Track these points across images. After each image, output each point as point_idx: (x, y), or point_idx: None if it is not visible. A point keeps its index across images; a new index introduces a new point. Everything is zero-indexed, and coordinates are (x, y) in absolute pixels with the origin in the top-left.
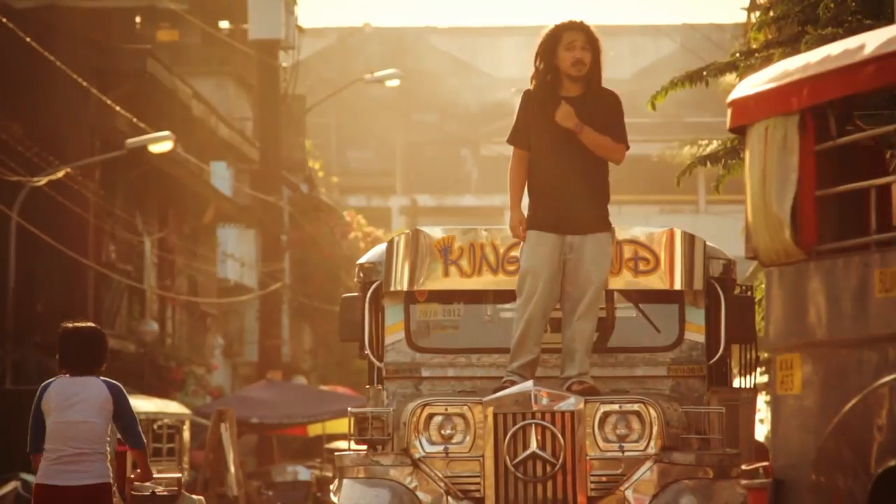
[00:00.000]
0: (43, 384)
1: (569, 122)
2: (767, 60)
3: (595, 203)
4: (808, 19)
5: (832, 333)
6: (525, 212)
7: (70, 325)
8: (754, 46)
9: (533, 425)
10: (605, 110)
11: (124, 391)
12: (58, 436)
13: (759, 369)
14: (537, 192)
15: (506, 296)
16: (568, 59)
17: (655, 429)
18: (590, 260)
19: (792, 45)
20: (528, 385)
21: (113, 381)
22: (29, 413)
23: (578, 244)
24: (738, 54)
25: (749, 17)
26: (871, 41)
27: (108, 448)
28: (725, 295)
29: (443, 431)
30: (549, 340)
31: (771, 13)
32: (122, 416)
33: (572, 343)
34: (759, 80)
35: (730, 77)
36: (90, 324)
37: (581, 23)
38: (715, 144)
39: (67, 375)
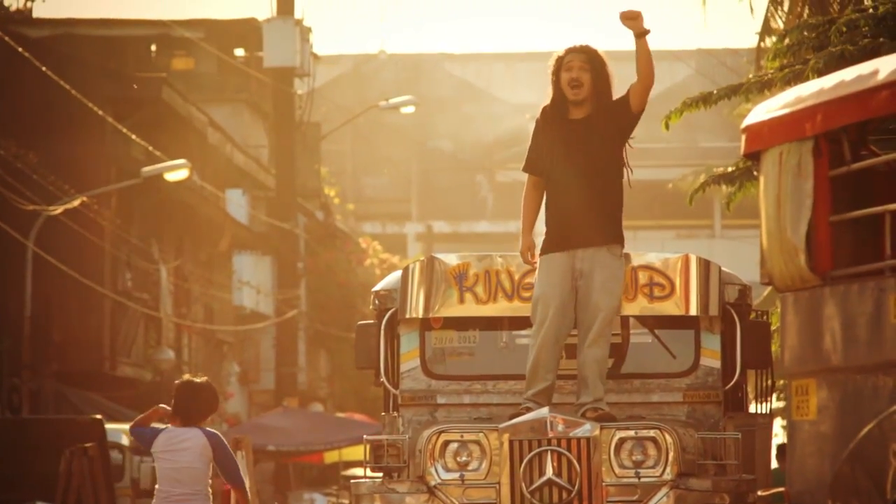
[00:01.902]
0: (158, 429)
1: (634, 22)
2: (780, 82)
3: (606, 216)
4: (823, 45)
5: (847, 359)
6: (539, 240)
7: (185, 379)
8: (770, 75)
9: (549, 452)
10: (614, 125)
11: (222, 439)
12: (166, 479)
13: (774, 395)
14: (552, 217)
15: (521, 322)
16: (566, 79)
17: (671, 455)
18: (599, 286)
19: (802, 67)
20: (543, 412)
21: (212, 431)
22: (45, 441)
23: (589, 268)
24: (750, 76)
25: (760, 41)
26: (884, 66)
27: (209, 489)
28: (741, 320)
29: (459, 458)
30: (564, 367)
31: (786, 40)
32: (222, 460)
33: (586, 369)
34: (773, 105)
35: (745, 104)
36: (202, 379)
37: (583, 45)
38: (731, 169)
39: (178, 423)
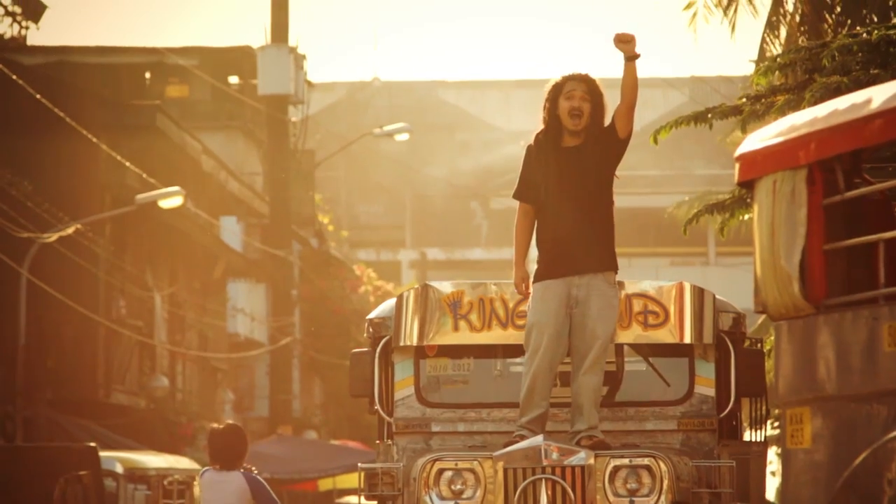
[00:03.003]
0: (201, 471)
1: (627, 45)
2: (772, 106)
3: (600, 243)
4: (815, 67)
5: (841, 387)
6: (533, 267)
7: (216, 426)
8: (759, 91)
9: (543, 480)
10: (606, 145)
11: (261, 480)
12: None
13: (769, 423)
14: (544, 244)
15: (515, 350)
16: (566, 108)
17: (666, 483)
18: (596, 314)
19: (797, 92)
20: (538, 440)
21: (251, 474)
22: (39, 469)
23: (584, 296)
24: (744, 99)
25: (757, 68)
26: (878, 95)
27: None
28: (735, 348)
29: (453, 487)
30: (558, 394)
31: (778, 60)
32: (262, 500)
33: (580, 397)
34: (767, 134)
35: (738, 132)
36: (233, 424)
37: (584, 74)
38: (725, 196)
39: (217, 468)
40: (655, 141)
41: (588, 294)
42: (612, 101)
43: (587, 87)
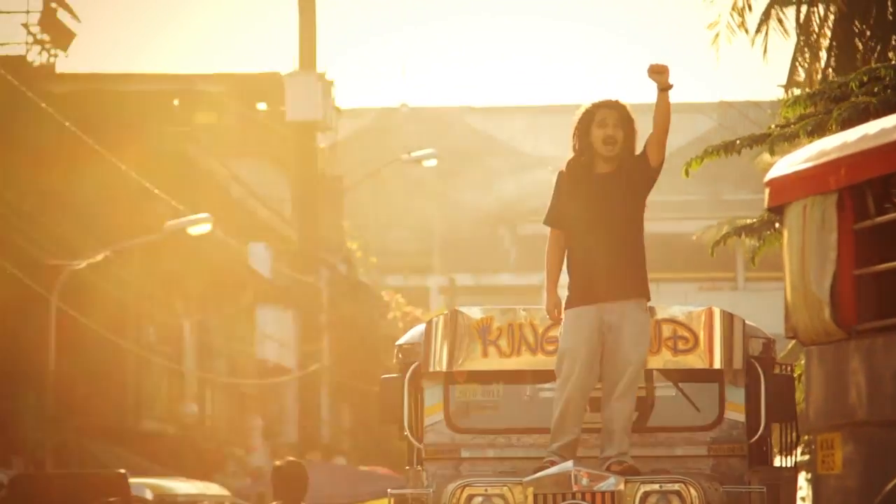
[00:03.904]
0: None
1: (661, 76)
2: (801, 128)
3: (633, 270)
4: (844, 95)
5: (873, 413)
6: (564, 292)
7: (278, 463)
8: (792, 125)
9: None
10: (638, 173)
11: None
12: None
13: (799, 448)
14: (575, 271)
15: (545, 376)
16: (600, 136)
17: None
18: (628, 340)
19: (825, 115)
20: (568, 465)
21: None
22: (69, 496)
23: (616, 322)
24: (773, 126)
25: (787, 93)
26: None
27: None
28: (765, 374)
29: None
30: (589, 420)
31: (807, 90)
32: None
33: (611, 423)
34: (797, 159)
35: (766, 156)
36: (294, 460)
37: (615, 101)
38: (754, 221)
39: (279, 503)
40: (687, 174)
41: (620, 320)
42: (641, 127)
43: (619, 114)
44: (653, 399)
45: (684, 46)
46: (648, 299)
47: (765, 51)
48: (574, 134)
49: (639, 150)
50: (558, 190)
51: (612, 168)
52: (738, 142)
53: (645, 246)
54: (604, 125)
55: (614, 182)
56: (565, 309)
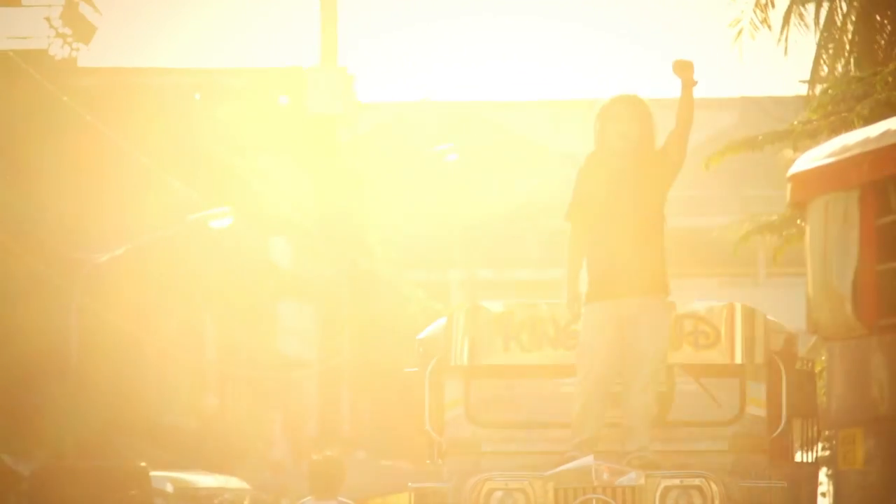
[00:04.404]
0: (301, 501)
1: (685, 72)
2: (824, 129)
3: (652, 265)
4: (867, 94)
5: (895, 408)
6: (583, 287)
7: (316, 457)
8: (815, 122)
9: (594, 500)
10: (656, 175)
11: None
12: None
13: (820, 444)
14: (595, 266)
15: (566, 370)
16: (617, 131)
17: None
18: (647, 335)
19: (848, 114)
20: (588, 460)
21: (347, 502)
22: (91, 488)
23: (635, 317)
24: (795, 123)
25: (810, 89)
26: None
27: None
28: (787, 369)
29: None
30: (609, 415)
31: (829, 91)
32: None
33: (632, 418)
34: (819, 154)
35: (789, 151)
36: (331, 455)
37: (633, 96)
38: (775, 217)
39: (316, 496)
40: (708, 168)
41: (640, 315)
42: (662, 122)
43: (637, 108)
44: (674, 394)
45: (706, 41)
46: (668, 294)
47: (786, 48)
48: (594, 128)
49: (659, 144)
50: (578, 185)
51: (630, 163)
52: (760, 138)
53: (665, 240)
54: (620, 120)
55: (633, 177)
56: (585, 304)
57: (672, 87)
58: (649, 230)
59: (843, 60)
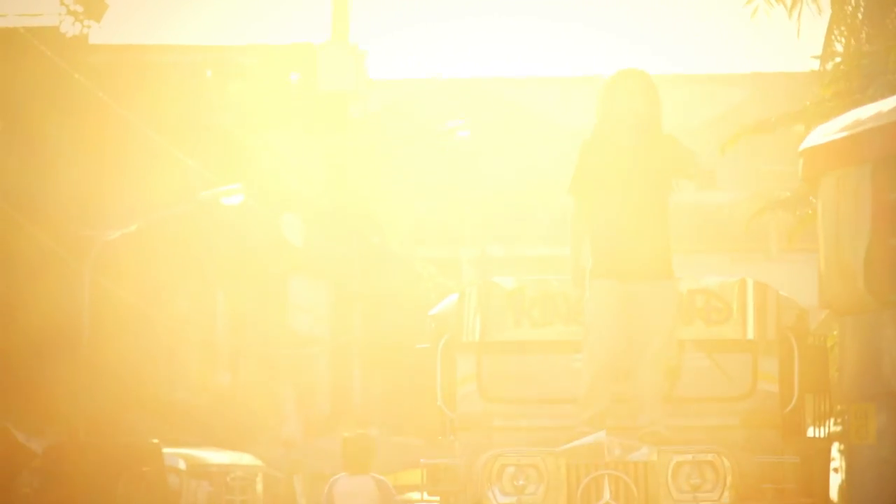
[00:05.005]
0: (331, 479)
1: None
2: (837, 109)
3: (657, 249)
4: (877, 70)
5: None
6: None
7: (348, 435)
8: (828, 101)
9: (606, 476)
10: (662, 155)
11: (388, 483)
12: None
13: (832, 419)
14: (599, 241)
15: (577, 346)
16: (623, 106)
17: (729, 479)
18: (655, 311)
19: (861, 94)
20: (601, 435)
21: (380, 477)
22: (102, 465)
23: (643, 295)
24: (808, 103)
25: (822, 65)
26: None
27: None
28: (798, 344)
29: (516, 482)
30: (615, 390)
31: (841, 66)
32: (389, 501)
33: (642, 392)
34: (831, 129)
35: (801, 126)
36: (363, 433)
37: (638, 70)
38: (787, 193)
39: (350, 472)
40: (723, 152)
41: (648, 298)
42: (669, 97)
43: (640, 82)
44: (686, 369)
45: (717, 16)
46: (673, 277)
47: (798, 27)
48: (597, 104)
49: (664, 120)
50: (582, 159)
51: (636, 139)
52: (772, 119)
53: (670, 213)
54: (628, 95)
55: (640, 155)
56: (591, 280)
57: (685, 63)
58: (657, 210)
59: (855, 37)
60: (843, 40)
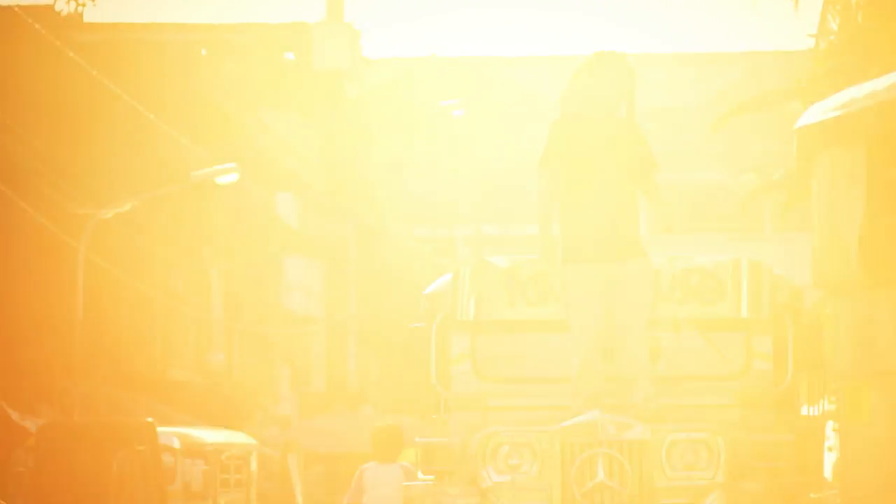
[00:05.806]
0: (361, 468)
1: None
2: (833, 87)
3: (629, 228)
4: (873, 45)
5: None
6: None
7: (379, 425)
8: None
9: (600, 455)
10: (628, 141)
11: (415, 472)
12: None
13: (827, 397)
14: (571, 223)
15: None
16: (598, 85)
17: (723, 457)
18: (635, 290)
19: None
20: (595, 414)
21: (408, 465)
22: (97, 444)
23: (621, 274)
24: (802, 80)
25: (817, 44)
26: None
27: None
28: (793, 322)
29: (510, 461)
30: (611, 369)
31: (835, 43)
32: None
33: (632, 369)
34: (826, 107)
35: (796, 104)
36: (392, 424)
37: (614, 51)
38: (781, 172)
39: (379, 461)
40: (715, 130)
41: (625, 279)
42: (652, 77)
43: (616, 63)
44: (680, 348)
45: None
46: (644, 249)
47: (796, 2)
48: (573, 83)
49: (639, 100)
50: (554, 136)
51: (610, 119)
52: (766, 97)
53: (663, 194)
54: (601, 76)
55: (616, 138)
56: (566, 265)
57: (681, 42)
58: (627, 191)
59: (850, 12)
60: (837, 18)
